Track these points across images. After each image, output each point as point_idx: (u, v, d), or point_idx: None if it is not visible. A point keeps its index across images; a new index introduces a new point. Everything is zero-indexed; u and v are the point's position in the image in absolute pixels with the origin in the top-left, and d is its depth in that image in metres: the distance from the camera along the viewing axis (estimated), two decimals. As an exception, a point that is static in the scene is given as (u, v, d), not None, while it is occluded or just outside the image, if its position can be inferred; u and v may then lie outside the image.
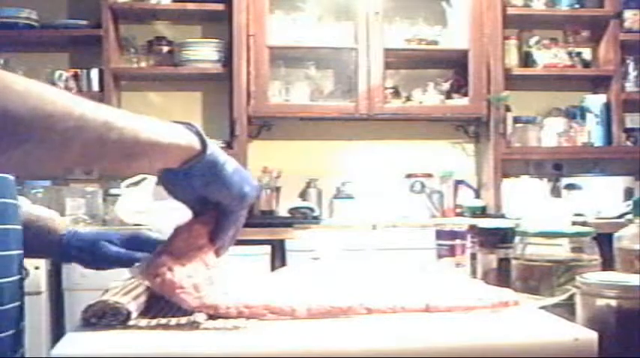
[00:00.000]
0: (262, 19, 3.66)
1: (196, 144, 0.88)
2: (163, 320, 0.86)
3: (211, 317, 0.86)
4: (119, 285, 0.95)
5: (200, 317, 0.85)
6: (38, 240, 1.14)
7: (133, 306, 0.86)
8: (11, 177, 1.02)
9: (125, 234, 1.12)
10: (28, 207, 1.19)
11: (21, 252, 1.03)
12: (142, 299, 0.91)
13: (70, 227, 1.15)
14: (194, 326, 0.83)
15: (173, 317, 0.87)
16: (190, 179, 0.89)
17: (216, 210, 0.94)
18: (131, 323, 0.84)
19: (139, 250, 1.12)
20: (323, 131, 3.98)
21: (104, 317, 0.84)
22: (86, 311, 0.84)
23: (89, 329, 0.83)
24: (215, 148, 0.90)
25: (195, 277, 0.88)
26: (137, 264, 0.94)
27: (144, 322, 0.85)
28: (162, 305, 0.91)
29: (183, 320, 0.85)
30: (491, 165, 3.84)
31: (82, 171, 3.83)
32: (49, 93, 0.76)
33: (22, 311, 1.04)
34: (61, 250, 1.12)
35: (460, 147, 4.10)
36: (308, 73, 3.92)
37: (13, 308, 1.00)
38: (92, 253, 1.10)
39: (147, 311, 0.90)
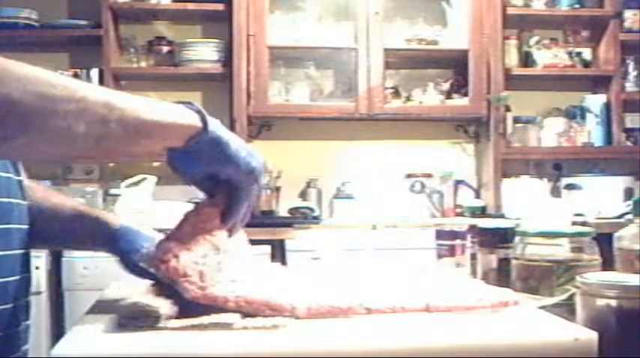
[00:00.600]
0: (262, 19, 3.66)
1: (197, 122, 0.88)
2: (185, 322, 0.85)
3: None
4: (154, 286, 0.95)
5: (233, 317, 0.84)
6: (94, 233, 1.11)
7: (165, 309, 0.85)
8: (15, 177, 1.02)
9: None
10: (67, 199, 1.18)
11: (25, 251, 1.02)
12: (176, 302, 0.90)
13: (121, 221, 1.12)
14: (227, 326, 0.83)
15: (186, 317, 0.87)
16: (195, 157, 0.89)
17: (226, 189, 0.94)
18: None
19: None
20: (323, 131, 3.98)
21: (135, 318, 0.83)
22: (119, 312, 0.83)
23: (90, 329, 0.83)
24: (217, 126, 0.90)
25: (202, 263, 0.88)
26: (144, 251, 0.94)
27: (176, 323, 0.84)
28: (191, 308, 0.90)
29: (209, 319, 0.83)
30: (491, 165, 3.84)
31: (85, 165, 3.84)
32: (50, 77, 0.76)
33: (27, 310, 1.04)
34: (115, 245, 1.09)
35: (460, 147, 4.10)
36: (308, 73, 3.92)
37: (18, 307, 1.00)
38: (133, 260, 1.08)
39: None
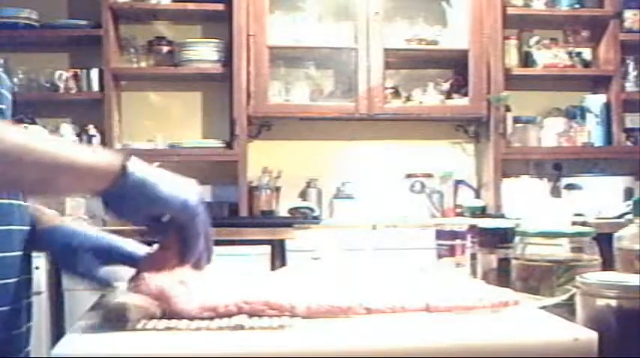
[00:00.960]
0: (262, 19, 3.66)
1: (116, 165, 0.89)
2: (170, 323, 0.85)
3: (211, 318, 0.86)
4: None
5: (241, 318, 0.85)
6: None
7: (145, 310, 0.85)
8: None
9: (96, 243, 1.06)
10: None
11: (25, 252, 1.02)
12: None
13: (57, 221, 1.10)
14: (236, 327, 0.83)
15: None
16: (125, 199, 0.90)
17: (175, 228, 0.94)
18: (138, 325, 0.84)
19: (107, 262, 1.07)
20: (323, 131, 3.98)
21: (112, 318, 0.83)
22: (100, 311, 0.84)
23: (90, 330, 0.83)
24: (142, 168, 0.90)
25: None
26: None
27: (150, 324, 0.84)
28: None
29: (194, 324, 0.84)
30: (491, 165, 3.84)
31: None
32: None
33: (29, 312, 1.04)
34: (45, 243, 1.08)
35: (460, 147, 4.10)
36: (308, 73, 3.92)
37: (18, 309, 1.00)
38: (74, 264, 1.06)
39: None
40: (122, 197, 0.89)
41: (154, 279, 0.88)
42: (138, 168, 0.90)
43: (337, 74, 3.96)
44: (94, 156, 0.89)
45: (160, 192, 0.90)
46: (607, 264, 1.08)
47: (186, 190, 0.93)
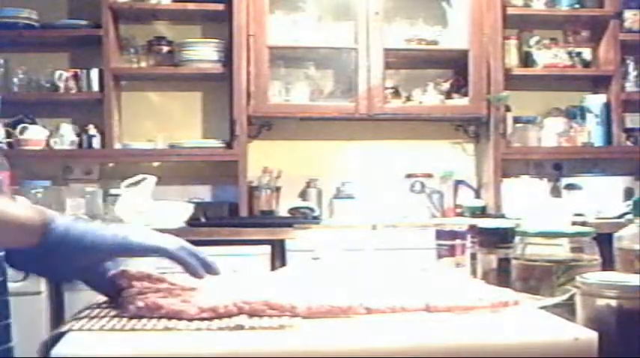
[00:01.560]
0: (262, 19, 3.66)
1: (43, 219, 0.91)
2: (170, 324, 0.86)
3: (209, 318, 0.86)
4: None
5: (241, 319, 0.85)
6: None
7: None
8: None
9: None
10: None
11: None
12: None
13: None
14: (237, 327, 0.83)
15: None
16: (52, 253, 0.91)
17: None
18: (138, 326, 0.84)
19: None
20: (323, 131, 3.98)
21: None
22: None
23: (88, 330, 0.83)
24: (68, 221, 0.93)
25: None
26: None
27: (150, 324, 0.85)
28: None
29: (193, 325, 0.84)
30: (491, 165, 3.84)
31: (84, 165, 3.84)
32: None
33: (7, 309, 1.05)
34: None
35: (460, 147, 4.10)
36: (308, 73, 3.92)
37: None
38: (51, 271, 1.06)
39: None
40: (50, 251, 0.91)
41: (140, 298, 0.89)
42: (64, 222, 0.92)
43: (337, 74, 3.96)
44: (25, 211, 0.91)
45: (86, 241, 0.92)
46: (607, 264, 1.08)
47: (126, 231, 0.95)
